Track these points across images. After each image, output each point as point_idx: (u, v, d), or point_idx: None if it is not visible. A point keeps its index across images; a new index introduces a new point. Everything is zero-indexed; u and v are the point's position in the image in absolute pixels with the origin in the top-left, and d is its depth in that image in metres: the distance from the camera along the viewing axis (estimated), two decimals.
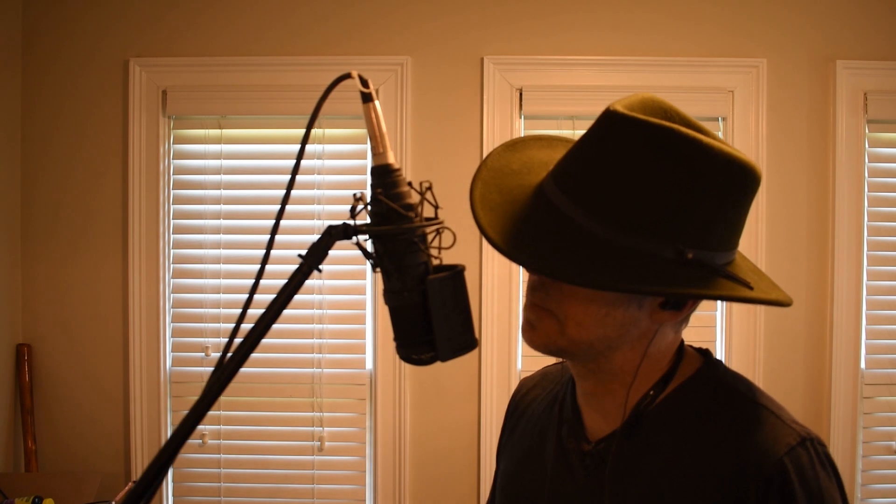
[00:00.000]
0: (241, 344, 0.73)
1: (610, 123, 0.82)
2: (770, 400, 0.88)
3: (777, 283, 0.91)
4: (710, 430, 0.85)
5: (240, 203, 2.50)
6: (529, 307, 0.90)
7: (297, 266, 0.74)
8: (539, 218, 0.84)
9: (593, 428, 0.94)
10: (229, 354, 0.73)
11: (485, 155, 2.41)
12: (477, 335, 0.81)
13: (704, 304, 2.46)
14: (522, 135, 2.46)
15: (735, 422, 0.85)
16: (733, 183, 0.80)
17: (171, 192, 2.51)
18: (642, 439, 0.88)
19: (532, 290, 0.89)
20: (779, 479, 0.79)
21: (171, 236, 2.51)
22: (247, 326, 0.75)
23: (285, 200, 0.76)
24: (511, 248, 0.81)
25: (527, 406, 1.10)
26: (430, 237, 0.78)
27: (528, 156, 0.94)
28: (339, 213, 2.47)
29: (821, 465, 0.82)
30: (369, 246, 0.80)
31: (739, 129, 2.44)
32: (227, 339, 0.75)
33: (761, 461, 0.80)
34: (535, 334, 0.89)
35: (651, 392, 0.89)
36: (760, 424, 0.84)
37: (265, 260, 0.76)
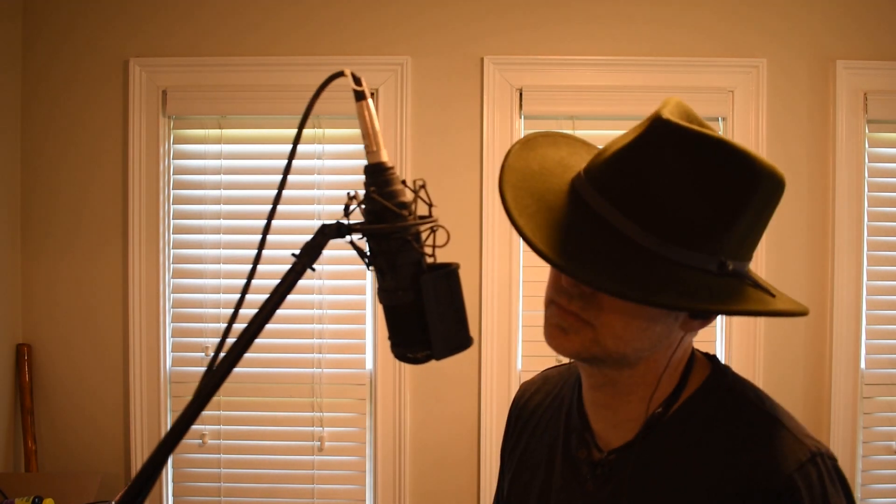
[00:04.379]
0: (235, 344, 0.73)
1: (661, 133, 0.79)
2: (780, 410, 0.88)
3: (777, 283, 0.91)
4: (720, 442, 0.85)
5: (240, 203, 2.50)
6: (561, 314, 0.87)
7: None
8: (587, 230, 0.82)
9: (602, 437, 0.93)
10: (222, 354, 0.73)
11: (486, 156, 2.43)
12: (477, 335, 0.81)
13: None
14: (522, 134, 2.46)
15: (745, 434, 0.84)
16: (772, 196, 0.82)
17: (171, 192, 2.51)
18: (654, 451, 0.88)
19: (565, 295, 0.86)
20: (788, 496, 0.79)
21: (171, 236, 2.52)
22: (240, 326, 0.75)
23: (276, 200, 0.76)
24: (566, 263, 0.78)
25: (531, 412, 1.08)
26: (424, 235, 0.78)
27: (540, 154, 0.92)
28: (338, 213, 2.45)
29: (830, 481, 0.81)
30: (364, 245, 0.80)
31: (739, 129, 2.44)
32: (220, 339, 0.75)
33: (771, 477, 0.80)
34: (566, 340, 0.86)
35: (663, 405, 0.89)
36: (771, 438, 0.83)
37: (256, 260, 0.76)
